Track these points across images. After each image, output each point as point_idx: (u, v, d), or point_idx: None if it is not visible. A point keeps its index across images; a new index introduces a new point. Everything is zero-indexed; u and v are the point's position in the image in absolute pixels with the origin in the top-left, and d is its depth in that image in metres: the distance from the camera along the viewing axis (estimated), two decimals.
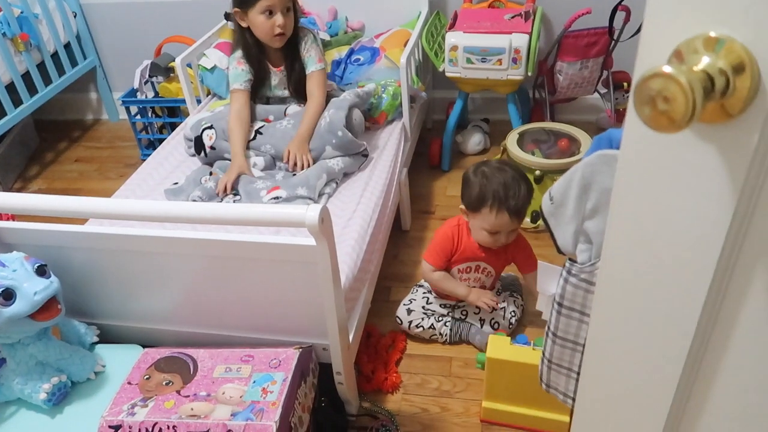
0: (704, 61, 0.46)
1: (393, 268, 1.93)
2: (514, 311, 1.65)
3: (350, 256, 1.45)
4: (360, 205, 1.65)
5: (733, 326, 0.57)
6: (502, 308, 1.63)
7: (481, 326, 1.63)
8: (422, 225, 2.15)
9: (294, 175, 1.72)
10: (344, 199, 1.69)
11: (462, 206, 1.56)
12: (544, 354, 0.84)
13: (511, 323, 1.64)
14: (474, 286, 1.65)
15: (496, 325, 1.62)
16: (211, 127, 1.83)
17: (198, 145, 1.85)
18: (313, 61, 1.87)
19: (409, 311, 1.65)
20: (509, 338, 1.34)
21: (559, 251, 0.75)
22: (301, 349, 1.26)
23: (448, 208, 2.20)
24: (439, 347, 1.65)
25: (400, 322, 1.66)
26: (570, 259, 0.73)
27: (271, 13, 1.74)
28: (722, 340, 0.58)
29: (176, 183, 1.76)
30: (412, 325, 1.64)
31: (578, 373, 0.80)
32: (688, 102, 0.43)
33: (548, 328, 0.81)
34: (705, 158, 0.51)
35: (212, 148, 1.82)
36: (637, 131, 0.55)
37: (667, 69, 0.44)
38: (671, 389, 0.64)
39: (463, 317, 1.65)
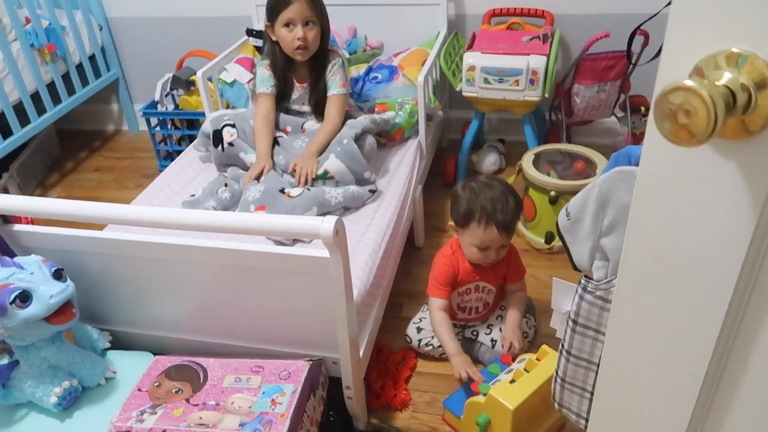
0: (726, 77, 0.46)
1: (405, 285, 1.93)
2: (526, 332, 1.63)
3: (363, 271, 1.45)
4: (374, 221, 1.65)
5: (752, 346, 0.56)
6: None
7: (492, 347, 1.62)
8: (435, 242, 2.15)
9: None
10: (359, 213, 1.70)
11: (451, 222, 1.56)
12: (557, 373, 0.83)
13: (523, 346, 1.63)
14: (477, 306, 1.63)
15: (510, 349, 1.60)
16: (233, 126, 1.85)
17: (216, 138, 1.86)
18: (336, 85, 1.88)
19: (419, 330, 1.64)
20: (496, 383, 1.32)
21: (575, 268, 0.74)
22: (311, 362, 1.26)
23: None
24: (449, 365, 1.63)
25: (409, 340, 1.65)
26: (586, 276, 0.73)
27: (291, 25, 1.77)
28: (741, 361, 0.58)
29: (193, 195, 1.77)
30: (421, 344, 1.63)
31: (592, 393, 0.79)
32: (710, 116, 0.43)
33: (562, 346, 0.81)
34: (725, 175, 0.51)
35: (231, 144, 1.83)
36: (657, 146, 0.55)
37: (689, 82, 0.44)
38: (687, 411, 0.63)
39: (474, 337, 1.64)
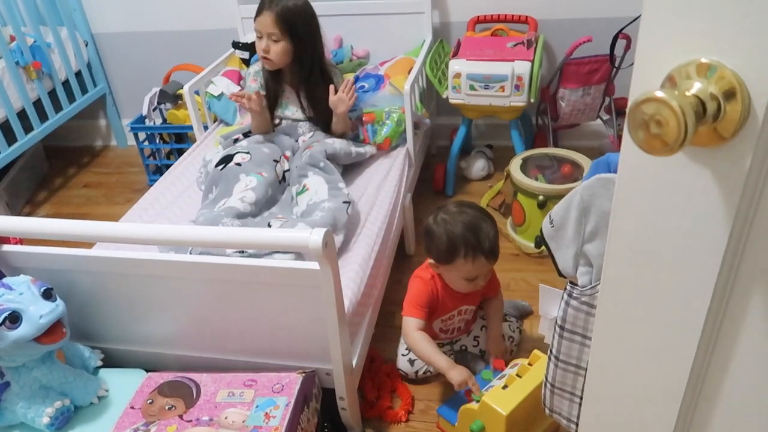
0: (696, 87, 0.48)
1: (397, 293, 1.93)
2: (511, 337, 1.63)
3: (354, 281, 1.45)
4: (364, 229, 1.66)
5: (733, 346, 0.57)
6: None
7: (483, 356, 1.62)
8: None
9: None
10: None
11: (431, 261, 1.46)
12: (546, 378, 0.84)
13: (511, 351, 1.63)
14: (459, 326, 1.60)
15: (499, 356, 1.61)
16: (248, 153, 1.80)
17: (226, 159, 1.79)
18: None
19: (412, 362, 1.59)
20: (489, 389, 1.32)
21: (560, 274, 0.75)
22: (304, 374, 1.26)
23: None
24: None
25: (404, 374, 1.61)
26: (571, 282, 0.73)
27: (260, 37, 1.83)
28: (723, 360, 0.59)
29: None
30: (419, 374, 1.60)
31: (581, 398, 0.79)
32: (680, 126, 0.44)
33: (550, 351, 0.81)
34: (699, 181, 0.52)
35: (238, 164, 1.76)
36: (632, 155, 0.56)
37: (660, 94, 0.45)
38: (674, 413, 0.63)
39: (463, 350, 1.64)
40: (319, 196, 1.67)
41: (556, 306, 0.77)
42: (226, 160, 1.78)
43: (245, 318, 1.31)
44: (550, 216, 0.75)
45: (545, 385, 0.84)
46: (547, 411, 0.87)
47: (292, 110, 1.97)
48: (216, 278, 1.26)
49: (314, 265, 1.15)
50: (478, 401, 1.29)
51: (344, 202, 1.63)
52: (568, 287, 0.74)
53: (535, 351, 1.39)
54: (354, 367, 1.36)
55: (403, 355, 1.62)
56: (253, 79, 1.96)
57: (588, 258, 0.70)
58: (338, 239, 1.56)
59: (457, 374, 1.38)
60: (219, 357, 1.37)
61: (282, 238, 1.14)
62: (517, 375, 1.33)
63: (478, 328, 1.65)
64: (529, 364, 1.36)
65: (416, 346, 1.46)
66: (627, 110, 0.49)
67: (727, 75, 0.47)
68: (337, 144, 1.91)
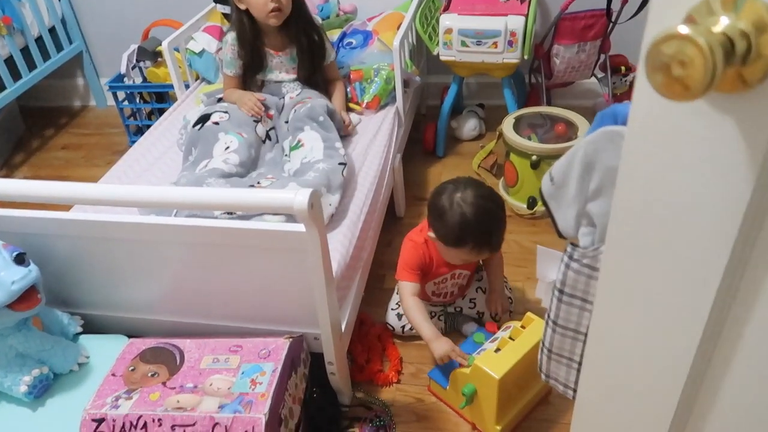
0: (723, 22, 0.42)
1: (386, 256, 1.89)
2: (509, 298, 1.61)
3: (342, 243, 1.41)
4: (352, 191, 1.61)
5: (748, 313, 0.53)
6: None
7: (481, 318, 1.59)
8: (416, 212, 2.11)
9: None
10: None
11: (432, 234, 1.40)
12: (543, 343, 0.80)
13: (510, 311, 1.61)
14: (453, 291, 1.57)
15: (496, 316, 1.58)
16: (226, 112, 1.72)
17: (203, 118, 1.71)
18: (330, 51, 1.92)
19: (400, 316, 1.58)
20: (481, 352, 1.30)
21: (560, 235, 0.71)
22: (291, 339, 1.23)
23: None
24: None
25: (392, 328, 1.60)
26: (572, 244, 0.69)
27: None
28: (737, 329, 0.55)
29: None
30: (405, 329, 1.58)
31: (580, 363, 0.76)
32: (707, 66, 0.39)
33: (548, 316, 0.78)
34: (721, 132, 0.47)
35: (216, 123, 1.67)
36: (646, 103, 0.51)
37: (684, 30, 0.40)
38: (680, 382, 0.60)
39: (457, 311, 1.61)
40: (314, 155, 1.60)
41: (555, 269, 0.73)
42: (204, 119, 1.71)
43: (230, 282, 1.26)
44: (550, 173, 0.70)
45: (542, 350, 0.81)
46: (543, 376, 0.84)
47: (276, 73, 1.88)
48: (199, 242, 1.21)
49: (300, 228, 1.10)
50: (470, 365, 1.27)
51: (340, 164, 1.57)
52: (568, 249, 0.70)
53: (528, 314, 1.36)
54: (343, 332, 1.32)
55: (392, 309, 1.61)
56: (231, 48, 1.83)
57: (591, 218, 0.66)
58: (334, 199, 1.49)
59: (438, 346, 1.34)
60: (203, 322, 1.33)
61: (265, 199, 1.08)
62: (510, 338, 1.30)
63: (474, 290, 1.62)
64: (522, 327, 1.33)
65: (408, 312, 1.44)
66: (643, 52, 0.44)
67: (758, 7, 0.41)
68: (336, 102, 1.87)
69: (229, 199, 1.10)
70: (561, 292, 0.72)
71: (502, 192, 2.12)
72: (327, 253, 1.15)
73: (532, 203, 2.01)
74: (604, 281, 0.62)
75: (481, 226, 1.32)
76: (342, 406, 1.41)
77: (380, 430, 1.38)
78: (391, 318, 1.59)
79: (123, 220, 1.23)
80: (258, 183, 1.55)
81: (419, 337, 1.60)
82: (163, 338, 1.26)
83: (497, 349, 1.28)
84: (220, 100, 1.87)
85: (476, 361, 1.24)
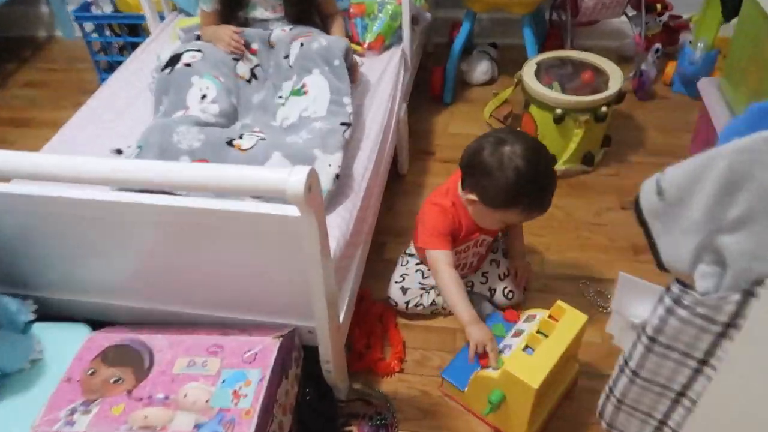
0: None
1: (387, 221, 1.69)
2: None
3: (342, 217, 1.20)
4: (355, 151, 1.38)
5: None
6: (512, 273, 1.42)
7: (492, 296, 1.41)
8: (421, 168, 1.89)
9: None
10: None
11: (472, 196, 1.21)
12: (612, 391, 0.62)
13: (524, 291, 1.44)
14: (472, 261, 1.40)
15: (510, 294, 1.40)
16: (200, 51, 1.47)
17: (173, 59, 1.46)
18: None
19: (404, 290, 1.40)
20: (506, 349, 1.13)
21: (661, 267, 0.51)
22: (281, 338, 1.04)
23: (452, 149, 1.94)
24: (441, 318, 1.44)
25: (395, 303, 1.41)
26: (680, 283, 0.49)
27: None
28: None
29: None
30: (410, 306, 1.40)
31: (661, 422, 0.58)
32: None
33: (624, 362, 0.59)
34: None
35: (188, 65, 1.42)
36: None
37: None
38: None
39: (468, 288, 1.43)
40: (316, 109, 1.36)
41: (642, 304, 0.53)
42: (174, 61, 1.45)
43: (210, 265, 1.06)
44: (658, 182, 0.49)
45: (609, 397, 0.63)
46: (604, 425, 0.66)
47: (260, 10, 1.61)
48: (171, 221, 1.00)
49: (294, 211, 0.88)
50: (496, 368, 1.10)
51: (342, 124, 1.33)
52: (674, 289, 0.50)
53: (559, 302, 1.18)
54: (341, 323, 1.14)
55: (396, 282, 1.42)
56: None
57: (720, 254, 0.45)
58: (334, 158, 1.26)
59: (477, 331, 1.17)
60: (179, 310, 1.14)
61: (250, 178, 0.86)
62: (540, 332, 1.12)
63: (487, 264, 1.44)
64: (552, 318, 1.15)
65: (446, 287, 1.24)
66: None
67: None
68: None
69: (203, 179, 0.87)
70: (653, 340, 0.53)
71: None
72: (326, 238, 0.95)
73: (587, 158, 1.78)
74: (746, 345, 0.42)
75: (537, 182, 1.15)
76: (338, 402, 1.24)
77: (381, 429, 1.22)
78: (395, 292, 1.41)
79: (77, 196, 1.00)
80: (240, 138, 1.30)
81: (425, 317, 1.43)
82: (131, 331, 1.07)
83: (526, 347, 1.10)
84: (199, 37, 1.61)
85: (507, 366, 1.06)
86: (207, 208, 0.96)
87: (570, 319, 1.14)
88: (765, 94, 1.35)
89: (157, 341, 1.04)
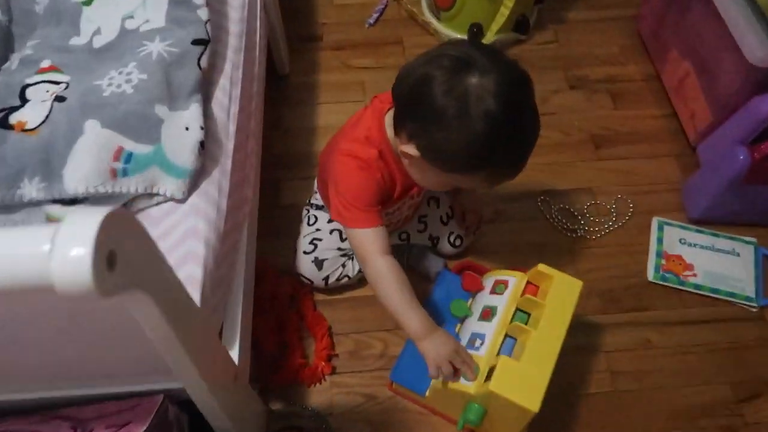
0: None
1: (276, 145, 1.24)
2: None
3: (210, 198, 0.75)
4: (208, 73, 0.88)
5: None
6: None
7: (435, 245, 1.06)
8: (308, 61, 1.40)
9: None
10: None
11: (411, 149, 0.75)
12: None
13: (474, 232, 1.09)
14: (408, 215, 1.00)
15: (457, 241, 1.05)
16: None
17: None
18: None
19: (319, 262, 1.00)
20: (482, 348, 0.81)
21: None
22: (148, 422, 0.63)
23: (345, 28, 1.45)
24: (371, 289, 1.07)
25: (310, 281, 1.02)
26: None
27: None
28: None
29: None
30: (330, 281, 1.02)
31: None
32: None
33: None
34: None
35: None
36: None
37: None
38: None
39: (404, 241, 1.05)
40: (147, 16, 0.83)
41: None
42: None
43: (27, 335, 0.60)
44: None
45: None
46: None
47: None
48: None
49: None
50: (472, 380, 0.77)
51: (196, 42, 0.81)
52: None
53: (540, 266, 0.84)
54: (238, 362, 0.74)
55: (305, 252, 1.01)
56: None
57: None
58: (193, 114, 0.76)
59: (435, 347, 0.78)
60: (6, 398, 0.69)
61: None
62: (520, 311, 0.80)
63: (425, 205, 1.05)
64: (532, 284, 0.83)
65: (381, 286, 0.81)
66: None
67: None
68: None
69: None
70: None
71: (428, 18, 1.45)
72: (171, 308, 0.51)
73: (474, 33, 1.37)
74: None
75: (517, 137, 0.73)
76: None
77: None
78: (306, 267, 1.01)
79: None
80: (22, 102, 0.75)
81: (352, 287, 1.06)
82: None
83: (507, 336, 0.77)
84: None
85: (493, 387, 0.72)
86: None
87: (560, 289, 0.81)
88: None
89: None
